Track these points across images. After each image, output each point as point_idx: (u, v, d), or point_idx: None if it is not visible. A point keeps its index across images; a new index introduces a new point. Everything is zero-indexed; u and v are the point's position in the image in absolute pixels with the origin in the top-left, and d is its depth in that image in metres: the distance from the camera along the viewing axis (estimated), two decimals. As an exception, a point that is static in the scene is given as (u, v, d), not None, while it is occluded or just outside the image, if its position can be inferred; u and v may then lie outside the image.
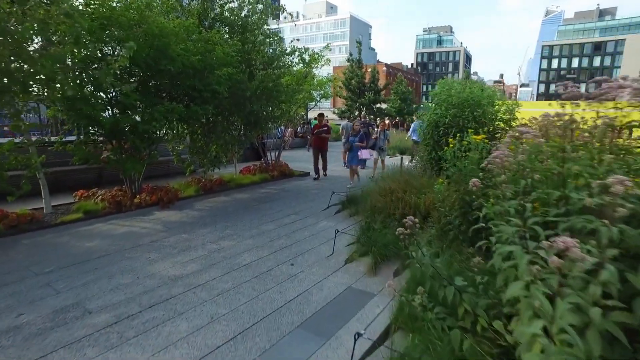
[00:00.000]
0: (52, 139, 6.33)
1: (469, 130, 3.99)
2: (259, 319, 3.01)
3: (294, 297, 3.39)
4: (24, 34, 3.96)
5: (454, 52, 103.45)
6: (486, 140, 3.80)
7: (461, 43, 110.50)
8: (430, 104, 6.28)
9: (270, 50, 8.73)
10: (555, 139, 2.26)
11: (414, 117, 13.16)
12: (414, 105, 36.15)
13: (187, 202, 6.92)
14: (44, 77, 4.51)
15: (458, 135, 4.12)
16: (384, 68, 64.15)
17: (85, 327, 2.79)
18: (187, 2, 7.90)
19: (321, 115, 9.99)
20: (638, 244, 1.50)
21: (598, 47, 76.48)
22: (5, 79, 4.19)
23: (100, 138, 6.08)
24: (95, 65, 5.19)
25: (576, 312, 1.40)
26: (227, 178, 8.47)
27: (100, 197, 6.15)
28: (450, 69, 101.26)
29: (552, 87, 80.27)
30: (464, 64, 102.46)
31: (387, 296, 3.37)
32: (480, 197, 2.88)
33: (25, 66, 4.25)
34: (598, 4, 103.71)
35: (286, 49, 9.01)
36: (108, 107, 5.77)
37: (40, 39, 4.82)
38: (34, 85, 4.61)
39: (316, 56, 9.42)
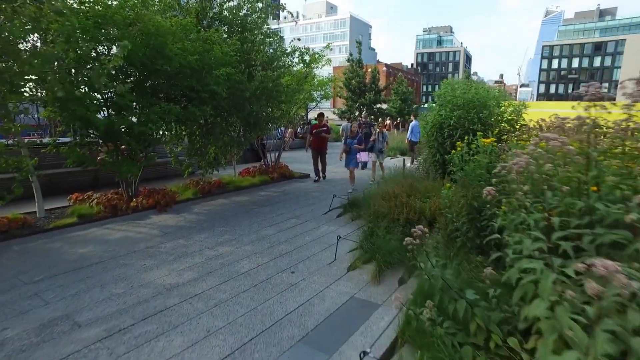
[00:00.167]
0: (44, 140, 6.16)
1: (478, 133, 3.83)
2: (258, 332, 2.85)
3: (295, 307, 3.23)
4: (13, 31, 3.80)
5: (454, 52, 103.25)
6: (495, 144, 3.64)
7: (461, 43, 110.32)
8: (433, 105, 6.13)
9: (271, 51, 8.57)
10: (573, 143, 2.10)
11: (412, 117, 12.99)
12: (414, 106, 35.99)
13: (184, 205, 6.76)
14: (34, 77, 4.35)
15: (466, 137, 3.96)
16: (384, 68, 63.97)
17: (74, 343, 2.63)
18: (185, 0, 7.74)
19: (321, 115, 9.82)
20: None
21: (598, 47, 76.32)
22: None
23: (96, 140, 5.91)
24: (90, 65, 5.03)
25: (613, 341, 1.25)
26: (226, 180, 8.31)
27: (96, 200, 5.99)
28: (450, 69, 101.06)
29: (552, 88, 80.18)
30: (464, 64, 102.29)
31: (393, 307, 3.21)
32: (492, 205, 2.73)
33: (14, 66, 4.09)
34: (598, 4, 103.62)
35: (286, 49, 8.85)
36: (104, 108, 5.62)
37: (33, 38, 4.67)
38: (24, 86, 4.45)
39: (317, 56, 9.26)
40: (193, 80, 5.91)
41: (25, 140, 5.65)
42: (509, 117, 5.43)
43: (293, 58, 8.91)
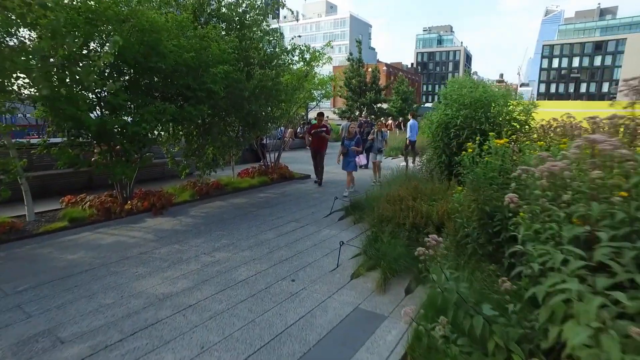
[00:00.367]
0: (34, 141, 5.94)
1: (490, 133, 3.61)
2: (255, 348, 2.64)
3: (296, 320, 3.02)
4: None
5: (454, 51, 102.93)
6: (508, 145, 3.43)
7: (461, 43, 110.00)
8: (439, 104, 5.91)
9: (270, 49, 8.35)
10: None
11: (409, 117, 12.74)
12: (415, 105, 35.70)
13: (181, 207, 6.54)
14: (22, 75, 4.13)
15: (478, 138, 3.74)
16: (384, 68, 63.72)
17: (55, 362, 2.42)
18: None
19: (321, 114, 9.57)
20: None
21: (599, 47, 76.02)
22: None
23: (89, 140, 5.68)
24: (81, 62, 4.81)
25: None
26: (225, 181, 8.10)
27: (89, 203, 5.77)
28: (450, 68, 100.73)
29: (553, 87, 79.92)
30: (464, 63, 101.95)
31: (400, 319, 3.00)
32: (508, 211, 2.51)
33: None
34: (599, 3, 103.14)
35: (286, 47, 8.61)
36: (97, 107, 5.40)
37: (22, 34, 4.45)
38: (12, 84, 4.23)
39: (317, 54, 9.04)
40: (189, 78, 5.69)
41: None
42: (518, 117, 5.21)
43: (293, 56, 8.67)
